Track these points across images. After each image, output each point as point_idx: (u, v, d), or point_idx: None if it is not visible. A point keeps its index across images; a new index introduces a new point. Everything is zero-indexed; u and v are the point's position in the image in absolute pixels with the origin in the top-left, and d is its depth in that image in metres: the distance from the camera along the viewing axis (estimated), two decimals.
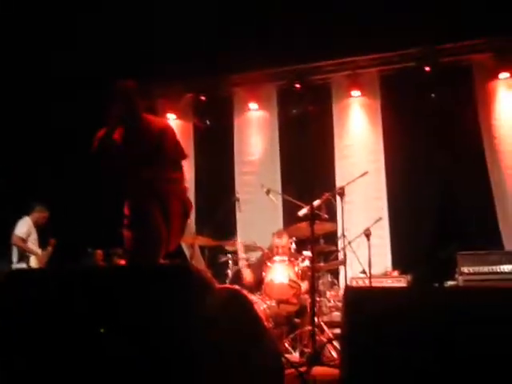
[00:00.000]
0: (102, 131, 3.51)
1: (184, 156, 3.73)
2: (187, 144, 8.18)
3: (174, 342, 1.97)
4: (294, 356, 4.75)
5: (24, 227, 6.69)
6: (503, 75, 7.11)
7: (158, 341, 1.95)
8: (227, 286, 5.37)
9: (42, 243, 6.96)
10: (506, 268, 5.73)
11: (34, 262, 6.66)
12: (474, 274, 5.78)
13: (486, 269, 5.78)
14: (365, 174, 5.57)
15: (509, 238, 6.72)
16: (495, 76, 7.15)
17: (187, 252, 6.35)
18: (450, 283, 5.95)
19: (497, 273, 5.74)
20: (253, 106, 8.02)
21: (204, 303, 2.05)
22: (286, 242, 5.69)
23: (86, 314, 2.15)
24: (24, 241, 6.66)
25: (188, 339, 1.96)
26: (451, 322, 2.39)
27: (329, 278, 6.12)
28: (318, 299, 5.42)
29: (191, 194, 7.76)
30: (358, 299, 2.51)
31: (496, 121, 7.11)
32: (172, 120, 8.13)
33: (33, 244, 6.77)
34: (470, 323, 2.35)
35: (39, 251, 6.82)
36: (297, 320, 5.46)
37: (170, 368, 1.97)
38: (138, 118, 3.59)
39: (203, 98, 8.08)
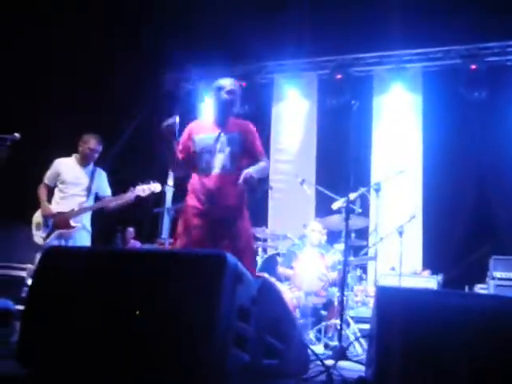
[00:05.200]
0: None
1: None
2: None
3: (206, 327, 1.98)
4: (318, 348, 4.75)
5: None
6: None
7: (189, 326, 1.97)
8: (258, 274, 5.39)
9: None
10: None
11: None
12: (507, 279, 5.68)
13: None
14: (401, 172, 5.51)
15: None
16: None
17: None
18: (481, 287, 5.86)
19: None
20: (292, 93, 7.98)
21: (237, 291, 2.06)
22: (320, 233, 5.68)
23: (121, 296, 2.19)
24: None
25: (219, 327, 1.98)
26: (479, 327, 2.37)
27: (357, 272, 6.09)
28: (345, 293, 5.41)
29: None
30: (389, 298, 2.50)
31: None
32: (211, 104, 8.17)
33: None
34: (491, 330, 2.33)
35: None
36: (323, 312, 5.46)
37: (200, 353, 1.99)
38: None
39: (244, 83, 8.09)
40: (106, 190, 5.08)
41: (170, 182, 7.88)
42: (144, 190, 4.84)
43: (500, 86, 7.12)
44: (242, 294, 2.10)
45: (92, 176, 4.97)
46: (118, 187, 5.23)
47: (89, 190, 4.93)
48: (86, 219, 4.94)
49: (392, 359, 2.28)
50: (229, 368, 1.98)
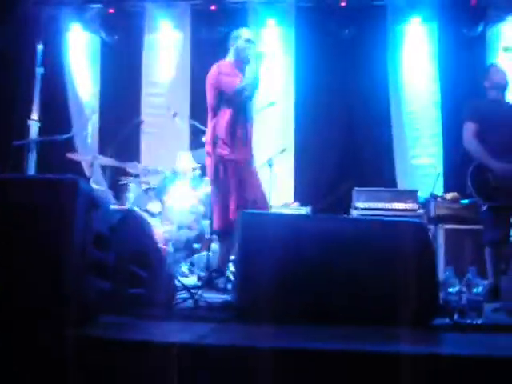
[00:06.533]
0: None
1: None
2: (94, 59, 7.75)
3: (59, 252, 1.89)
4: (191, 280, 4.81)
5: None
6: (415, 20, 7.26)
7: (41, 252, 1.87)
8: (123, 207, 5.28)
9: None
10: (397, 205, 6.06)
11: None
12: (368, 209, 6.07)
13: (378, 205, 6.08)
14: (272, 104, 5.54)
15: (402, 179, 7.09)
16: (407, 20, 7.30)
17: (87, 171, 6.14)
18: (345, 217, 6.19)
19: (388, 209, 6.05)
20: (165, 24, 7.67)
21: (93, 217, 1.97)
22: (190, 166, 5.64)
23: None
24: None
25: (72, 251, 1.89)
26: (342, 248, 2.48)
27: None
28: None
29: (96, 112, 7.46)
30: (252, 222, 2.54)
31: (402, 65, 7.33)
32: (79, 32, 7.67)
33: None
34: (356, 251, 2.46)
35: None
36: (195, 245, 5.51)
37: (53, 278, 1.89)
38: None
39: (111, 10, 7.62)
40: None
41: (35, 115, 7.42)
42: None
43: (368, 25, 7.33)
44: (98, 221, 2.02)
45: None
46: None
47: None
48: None
49: (253, 280, 2.33)
50: (85, 294, 1.91)
